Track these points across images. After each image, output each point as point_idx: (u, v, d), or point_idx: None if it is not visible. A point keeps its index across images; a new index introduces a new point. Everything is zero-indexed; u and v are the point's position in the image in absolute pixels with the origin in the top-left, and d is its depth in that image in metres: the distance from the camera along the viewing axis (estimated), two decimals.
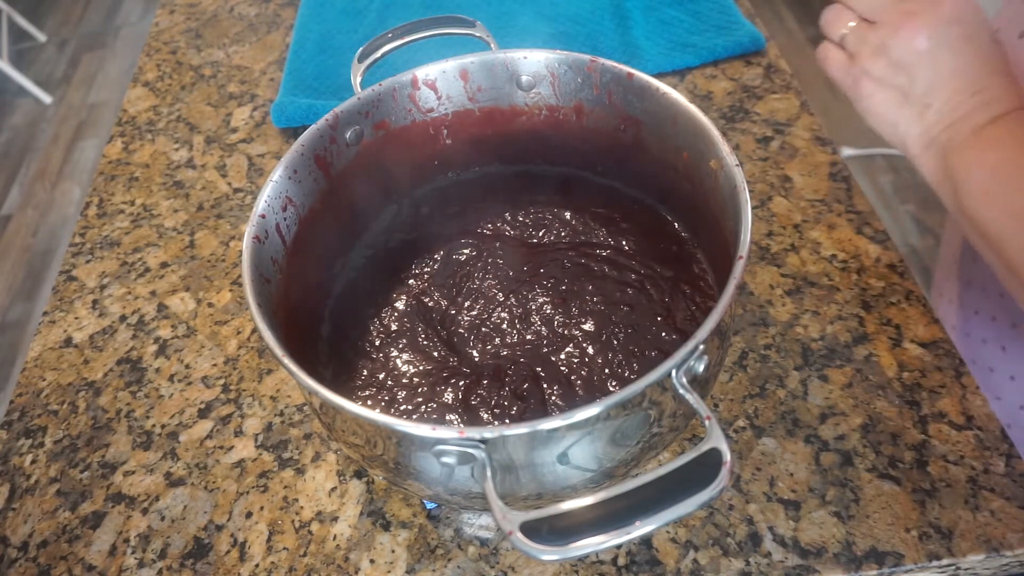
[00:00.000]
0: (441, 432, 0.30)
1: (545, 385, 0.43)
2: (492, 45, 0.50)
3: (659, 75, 0.71)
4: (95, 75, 2.44)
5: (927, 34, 0.40)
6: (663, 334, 0.44)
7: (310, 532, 0.46)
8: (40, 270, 1.91)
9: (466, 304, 0.48)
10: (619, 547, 0.43)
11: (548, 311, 0.47)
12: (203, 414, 0.52)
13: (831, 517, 0.43)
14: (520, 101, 0.50)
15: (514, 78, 0.49)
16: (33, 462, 0.51)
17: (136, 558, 0.46)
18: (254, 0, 0.90)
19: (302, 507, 0.47)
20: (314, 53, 0.76)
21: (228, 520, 0.47)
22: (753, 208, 0.50)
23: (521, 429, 0.30)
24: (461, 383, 0.44)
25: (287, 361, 0.34)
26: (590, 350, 0.44)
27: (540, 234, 0.51)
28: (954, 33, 0.40)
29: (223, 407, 0.52)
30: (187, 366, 0.55)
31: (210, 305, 0.59)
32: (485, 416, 0.42)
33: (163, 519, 0.47)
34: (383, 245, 0.52)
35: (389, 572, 0.44)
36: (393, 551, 0.44)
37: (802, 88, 0.68)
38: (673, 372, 0.31)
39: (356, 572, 0.44)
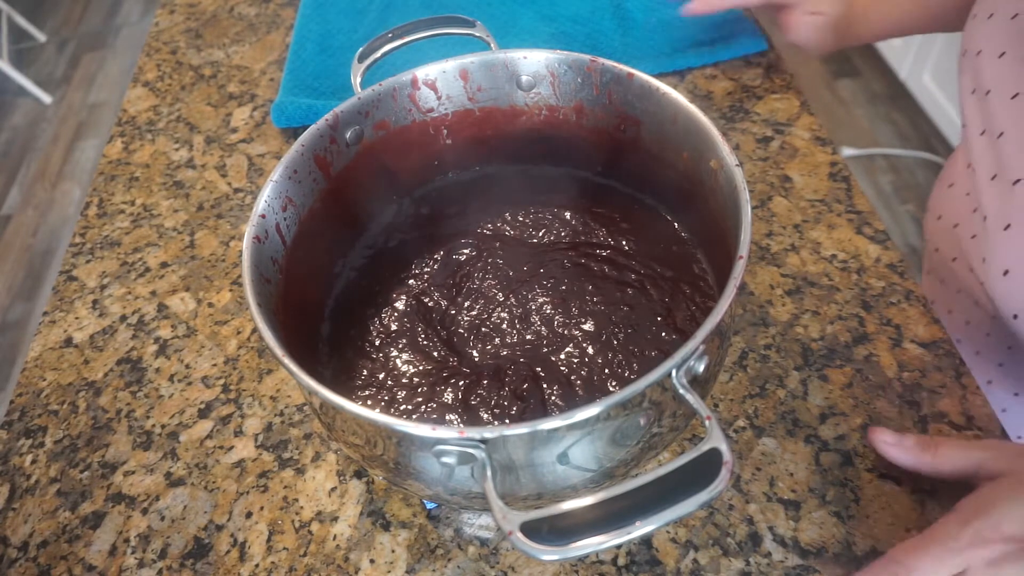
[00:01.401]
0: (441, 432, 0.30)
1: (545, 385, 0.43)
2: (492, 45, 0.50)
3: (659, 75, 0.71)
4: (95, 75, 2.44)
5: None
6: (663, 334, 0.44)
7: (310, 532, 0.46)
8: (40, 270, 1.91)
9: (466, 304, 0.48)
10: (619, 547, 0.43)
11: (548, 311, 0.47)
12: (203, 414, 0.52)
13: (831, 517, 0.43)
14: (520, 101, 0.50)
15: (514, 78, 0.49)
16: (33, 462, 0.51)
17: (136, 558, 0.46)
18: (254, 0, 0.89)
19: (302, 507, 0.47)
20: (314, 53, 0.76)
21: (228, 520, 0.47)
22: (753, 208, 0.50)
23: (521, 429, 0.30)
24: (461, 383, 0.44)
25: (287, 361, 0.34)
26: (590, 350, 0.44)
27: (540, 234, 0.51)
28: None
29: (223, 407, 0.52)
30: (187, 366, 0.55)
31: (210, 305, 0.59)
32: (485, 416, 0.42)
33: (163, 519, 0.47)
34: (383, 245, 0.52)
35: (389, 572, 0.44)
36: (393, 551, 0.44)
37: (802, 88, 0.68)
38: (673, 372, 0.31)
39: (356, 572, 0.44)
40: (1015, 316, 0.51)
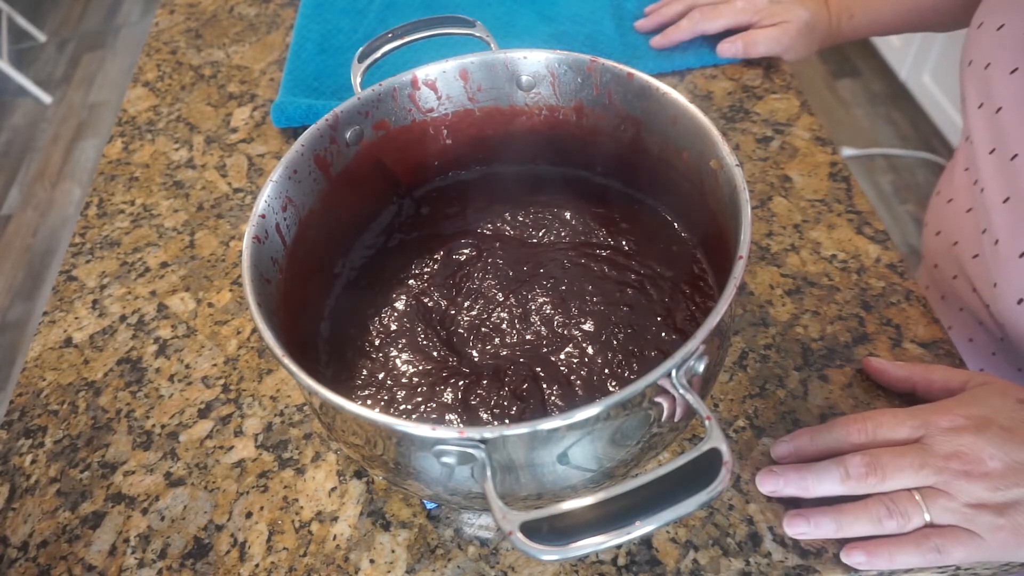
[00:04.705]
0: (441, 432, 0.30)
1: (545, 385, 0.43)
2: (492, 45, 0.50)
3: (659, 75, 0.71)
4: (95, 75, 2.44)
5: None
6: (663, 334, 0.44)
7: (310, 532, 0.46)
8: (40, 270, 1.91)
9: (466, 304, 0.48)
10: (619, 547, 0.43)
11: (548, 311, 0.47)
12: (203, 414, 0.52)
13: None
14: (520, 101, 0.50)
15: (514, 78, 0.49)
16: (33, 462, 0.51)
17: (136, 558, 0.46)
18: (254, 0, 0.90)
19: (302, 507, 0.47)
20: (314, 53, 0.76)
21: (228, 520, 0.47)
22: (753, 208, 0.50)
23: (521, 429, 0.30)
24: (461, 383, 0.44)
25: (287, 361, 0.34)
26: (590, 350, 0.44)
27: (540, 234, 0.51)
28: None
29: (223, 407, 0.52)
30: (187, 366, 0.55)
31: (210, 305, 0.59)
32: (485, 416, 0.42)
33: (163, 519, 0.47)
34: (383, 245, 0.52)
35: (389, 572, 0.44)
36: (393, 551, 0.44)
37: (802, 88, 0.68)
38: (673, 372, 0.31)
39: (356, 572, 0.44)
40: None
